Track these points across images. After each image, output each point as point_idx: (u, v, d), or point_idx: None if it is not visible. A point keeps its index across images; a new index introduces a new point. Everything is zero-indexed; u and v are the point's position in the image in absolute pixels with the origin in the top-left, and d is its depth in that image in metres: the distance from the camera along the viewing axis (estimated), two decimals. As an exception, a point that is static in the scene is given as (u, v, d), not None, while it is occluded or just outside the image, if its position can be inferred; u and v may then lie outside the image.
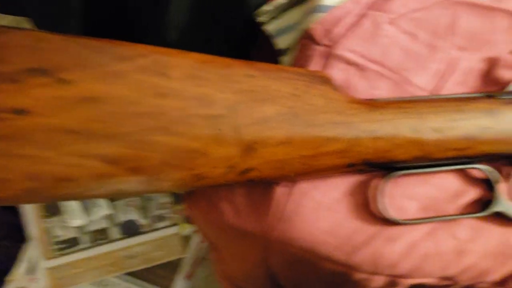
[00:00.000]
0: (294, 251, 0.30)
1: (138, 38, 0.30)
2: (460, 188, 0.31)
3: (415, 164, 0.29)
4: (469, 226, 0.30)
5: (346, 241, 0.29)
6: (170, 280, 0.66)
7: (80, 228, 0.66)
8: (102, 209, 0.69)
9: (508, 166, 0.31)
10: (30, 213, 0.64)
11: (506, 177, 0.31)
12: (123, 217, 0.66)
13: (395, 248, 0.29)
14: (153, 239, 0.65)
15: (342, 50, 0.31)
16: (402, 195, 0.30)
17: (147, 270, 0.68)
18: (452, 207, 0.30)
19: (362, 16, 0.32)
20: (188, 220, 0.65)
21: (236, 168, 0.27)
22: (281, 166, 0.27)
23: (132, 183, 0.26)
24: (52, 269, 0.64)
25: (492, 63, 0.32)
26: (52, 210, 0.64)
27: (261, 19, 0.38)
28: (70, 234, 0.65)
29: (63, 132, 0.24)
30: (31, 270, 0.64)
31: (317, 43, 0.32)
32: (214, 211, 0.32)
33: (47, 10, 0.42)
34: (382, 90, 0.31)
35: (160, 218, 0.65)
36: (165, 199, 0.66)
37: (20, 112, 0.23)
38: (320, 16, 0.33)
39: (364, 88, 0.31)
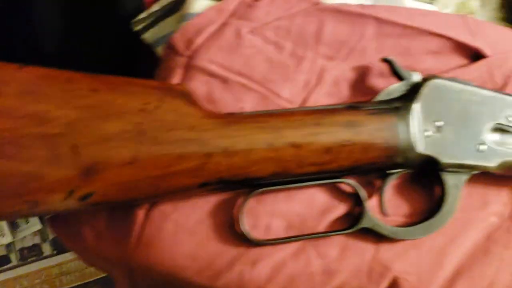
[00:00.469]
0: (156, 276, 0.28)
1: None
2: (328, 203, 0.29)
3: (275, 180, 0.27)
4: (337, 244, 0.29)
5: (208, 265, 0.28)
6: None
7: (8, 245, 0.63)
8: (33, 225, 0.66)
9: (380, 180, 0.30)
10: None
11: (378, 191, 0.30)
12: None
13: (260, 271, 0.28)
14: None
15: (204, 61, 0.30)
16: (268, 213, 0.29)
17: (82, 286, 0.64)
18: (321, 224, 0.29)
19: (224, 25, 0.31)
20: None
21: (76, 192, 0.25)
22: (128, 188, 0.25)
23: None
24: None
25: (363, 72, 0.31)
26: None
27: (137, 28, 0.36)
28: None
29: None
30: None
31: (179, 54, 0.30)
32: (75, 235, 0.30)
33: None
34: (248, 103, 0.30)
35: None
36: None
37: None
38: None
39: (230, 102, 0.29)
